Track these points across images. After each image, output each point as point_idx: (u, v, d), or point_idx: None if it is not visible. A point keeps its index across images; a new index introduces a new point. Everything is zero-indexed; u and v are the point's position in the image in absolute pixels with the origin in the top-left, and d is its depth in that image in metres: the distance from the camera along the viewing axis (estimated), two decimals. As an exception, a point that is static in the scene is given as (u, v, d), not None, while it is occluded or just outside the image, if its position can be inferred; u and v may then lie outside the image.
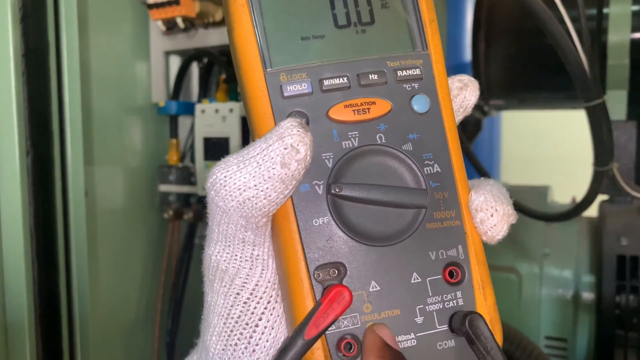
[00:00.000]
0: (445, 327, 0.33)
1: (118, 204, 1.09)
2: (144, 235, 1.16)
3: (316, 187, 0.33)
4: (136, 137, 1.13)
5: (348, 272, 0.33)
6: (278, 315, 0.35)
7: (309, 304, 0.32)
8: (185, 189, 1.13)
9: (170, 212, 1.15)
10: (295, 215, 0.33)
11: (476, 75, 1.75)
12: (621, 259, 1.34)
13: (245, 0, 0.33)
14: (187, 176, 1.13)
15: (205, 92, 1.13)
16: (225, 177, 0.32)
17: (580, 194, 1.18)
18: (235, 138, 1.02)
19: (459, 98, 0.37)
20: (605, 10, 1.35)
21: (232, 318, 0.34)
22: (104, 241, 1.05)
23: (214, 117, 1.03)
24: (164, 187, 1.15)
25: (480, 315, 0.33)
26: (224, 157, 0.33)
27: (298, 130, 0.30)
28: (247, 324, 0.34)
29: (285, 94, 0.33)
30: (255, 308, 0.34)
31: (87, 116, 0.97)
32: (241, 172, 0.31)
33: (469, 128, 1.91)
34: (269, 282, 0.34)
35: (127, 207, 1.11)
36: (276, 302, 0.35)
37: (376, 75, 0.34)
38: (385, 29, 0.35)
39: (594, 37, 1.29)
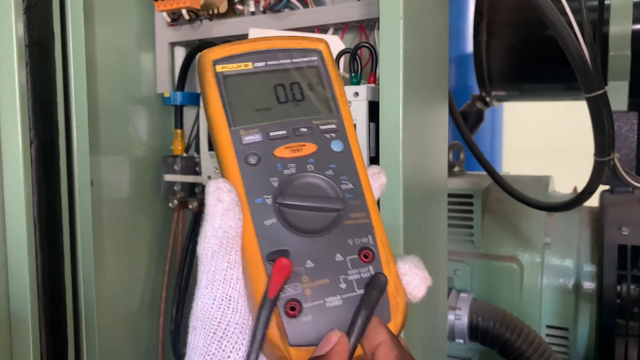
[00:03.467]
0: (362, 290, 0.46)
1: (123, 194, 1.10)
2: (149, 225, 1.16)
3: (266, 199, 0.46)
4: (141, 128, 1.14)
5: (291, 255, 0.45)
6: (243, 356, 0.44)
7: (263, 278, 0.44)
8: (190, 178, 1.14)
9: (175, 202, 1.15)
10: (252, 218, 0.46)
11: (478, 67, 1.76)
12: (622, 248, 1.34)
13: (216, 86, 0.49)
14: (192, 166, 1.14)
15: (209, 83, 1.14)
16: (202, 235, 0.45)
17: (581, 184, 1.19)
18: (239, 128, 1.02)
19: (377, 181, 0.51)
20: (606, 2, 1.36)
21: (209, 354, 0.44)
22: (110, 230, 1.06)
23: (218, 107, 1.04)
24: (169, 177, 1.16)
25: (384, 275, 0.46)
26: None
27: (213, 181, 0.45)
28: None
29: (244, 142, 0.48)
30: (226, 347, 0.44)
31: (92, 107, 0.98)
32: (206, 226, 0.45)
33: (471, 119, 1.92)
34: (237, 323, 0.44)
35: (133, 196, 1.12)
36: (242, 344, 0.44)
37: (305, 129, 0.49)
38: (311, 102, 0.51)
39: (595, 29, 1.29)
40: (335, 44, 0.97)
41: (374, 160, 0.86)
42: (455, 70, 3.09)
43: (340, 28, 1.01)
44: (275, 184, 0.47)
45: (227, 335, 0.44)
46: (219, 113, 0.49)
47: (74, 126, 0.92)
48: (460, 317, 1.42)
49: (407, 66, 0.80)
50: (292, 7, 1.02)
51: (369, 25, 0.98)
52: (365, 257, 0.47)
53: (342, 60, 0.96)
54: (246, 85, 0.50)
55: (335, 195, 0.48)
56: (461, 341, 1.43)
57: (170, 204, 1.17)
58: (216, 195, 0.45)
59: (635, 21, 1.34)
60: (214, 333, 0.44)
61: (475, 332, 1.40)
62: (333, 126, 0.50)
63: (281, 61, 0.52)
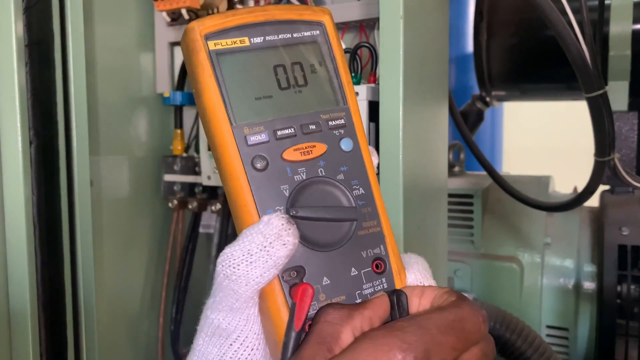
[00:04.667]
0: None
1: (123, 194, 1.10)
2: (148, 225, 1.16)
3: (278, 211, 0.42)
4: (141, 128, 1.14)
5: (307, 272, 0.42)
6: (260, 358, 0.43)
7: (280, 300, 0.41)
8: (189, 178, 1.14)
9: (175, 202, 1.15)
10: None
11: (478, 67, 1.76)
12: (622, 248, 1.34)
13: (212, 71, 0.43)
14: (192, 166, 1.13)
15: (209, 83, 1.14)
16: (238, 270, 0.40)
17: (581, 184, 1.19)
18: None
19: None
20: (607, 2, 1.36)
21: None
22: (109, 230, 1.06)
23: (218, 107, 1.04)
24: (168, 177, 1.16)
25: (404, 293, 0.43)
26: (227, 248, 0.42)
27: (291, 230, 0.41)
28: None
29: (249, 143, 0.43)
30: (242, 354, 0.43)
31: (92, 106, 0.98)
32: (252, 267, 0.40)
33: (471, 119, 1.92)
34: (255, 333, 0.43)
35: (132, 196, 1.12)
36: (257, 348, 0.43)
37: (314, 126, 0.45)
38: (315, 89, 0.46)
39: (595, 28, 1.29)
40: (335, 43, 0.97)
41: (374, 160, 0.86)
42: (455, 70, 3.09)
43: (340, 28, 1.01)
44: (286, 193, 0.43)
45: (244, 345, 0.43)
46: (218, 105, 0.43)
47: (74, 126, 0.92)
48: (460, 317, 1.41)
49: (407, 66, 0.80)
50: (292, 7, 1.02)
51: (369, 25, 0.98)
52: (377, 267, 0.45)
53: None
54: (244, 67, 0.44)
55: (349, 203, 0.45)
56: (461, 341, 1.43)
57: (170, 204, 1.17)
58: (287, 250, 0.40)
59: (635, 21, 1.34)
60: (231, 345, 0.43)
61: (476, 332, 1.40)
62: (342, 121, 0.46)
63: (281, 36, 0.46)
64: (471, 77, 1.88)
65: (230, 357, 0.43)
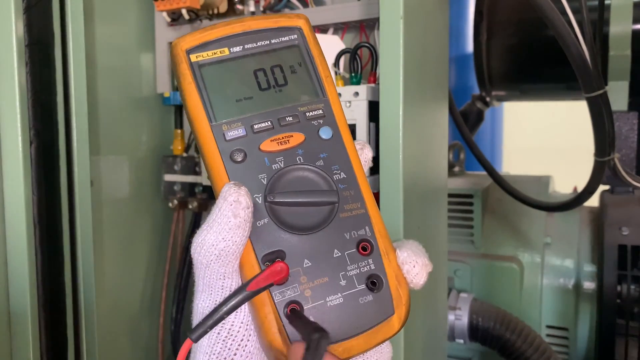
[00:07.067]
0: (363, 286, 0.45)
1: (123, 194, 1.10)
2: (149, 225, 1.16)
3: (257, 199, 0.45)
4: (141, 127, 1.14)
5: (287, 255, 0.44)
6: (249, 352, 0.44)
7: None
8: (190, 178, 1.14)
9: (175, 202, 1.15)
10: None
11: (478, 67, 1.76)
12: (622, 248, 1.34)
13: (192, 78, 0.47)
14: (192, 166, 1.14)
15: (209, 83, 1.14)
16: (201, 241, 0.42)
17: (581, 184, 1.19)
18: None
19: (362, 156, 0.49)
20: (607, 2, 1.36)
21: (214, 354, 0.43)
22: (110, 230, 1.06)
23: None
24: (169, 177, 1.16)
25: (326, 338, 0.41)
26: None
27: (235, 189, 0.42)
28: (224, 358, 0.43)
29: (227, 138, 0.46)
30: (231, 345, 0.43)
31: (92, 106, 0.98)
32: (210, 234, 0.42)
33: (471, 119, 1.92)
34: (242, 322, 0.44)
35: (133, 196, 1.12)
36: (248, 340, 0.44)
37: (291, 117, 0.47)
38: (295, 87, 0.49)
39: (595, 28, 1.29)
40: (335, 44, 0.97)
41: (374, 160, 0.86)
42: (455, 70, 3.09)
43: (340, 28, 1.01)
44: (264, 181, 0.45)
45: (231, 335, 0.43)
46: (198, 107, 0.47)
47: (74, 126, 0.92)
48: (460, 317, 1.42)
49: (407, 66, 0.80)
50: (292, 7, 1.02)
51: (369, 25, 0.98)
52: (364, 249, 0.45)
53: (342, 60, 0.95)
54: (224, 74, 0.48)
55: (328, 187, 0.46)
56: (461, 341, 1.43)
57: (170, 204, 1.17)
58: (233, 209, 0.42)
59: (635, 21, 1.34)
60: (218, 334, 0.43)
61: (476, 332, 1.40)
62: (320, 112, 0.48)
63: (259, 43, 0.49)
64: (471, 77, 1.88)
65: (221, 348, 0.43)
